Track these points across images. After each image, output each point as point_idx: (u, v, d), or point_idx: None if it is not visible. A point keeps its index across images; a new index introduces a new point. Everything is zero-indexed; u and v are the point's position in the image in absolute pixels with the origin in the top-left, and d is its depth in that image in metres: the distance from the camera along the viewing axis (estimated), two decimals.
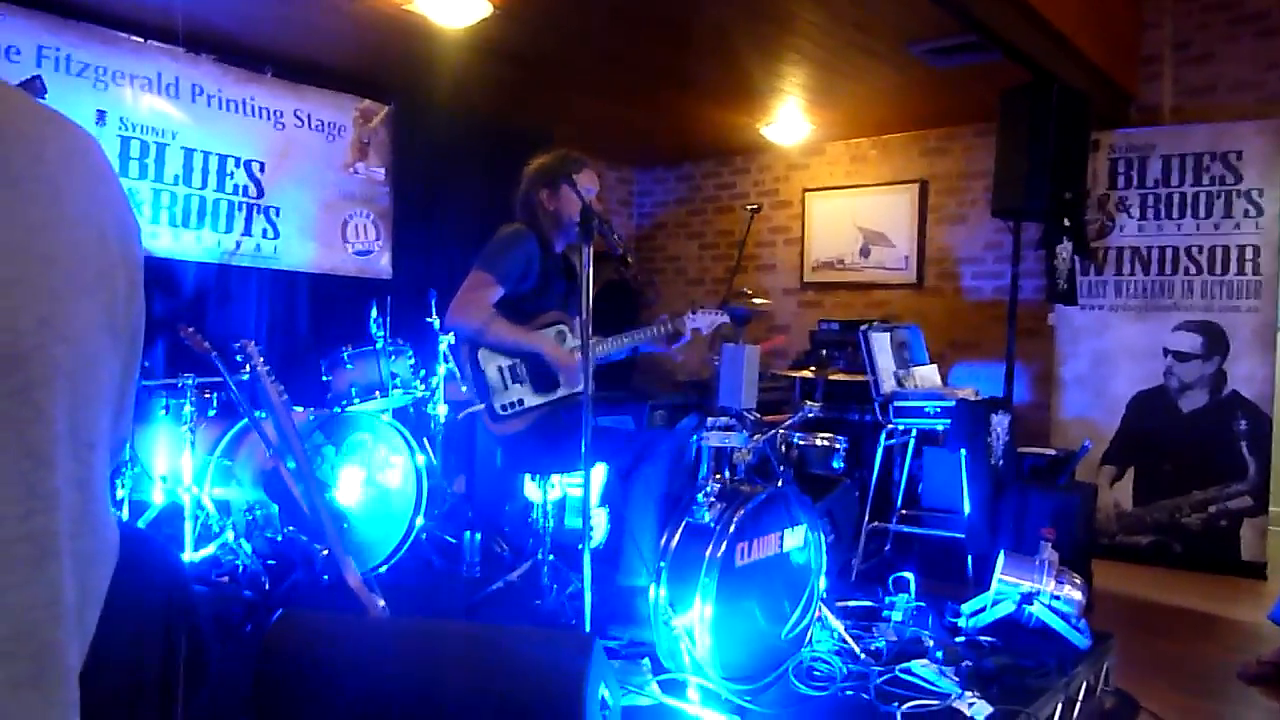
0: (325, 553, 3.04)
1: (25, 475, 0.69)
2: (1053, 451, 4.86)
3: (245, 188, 5.43)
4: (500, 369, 3.20)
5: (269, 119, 5.54)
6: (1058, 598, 3.35)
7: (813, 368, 4.74)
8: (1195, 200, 5.39)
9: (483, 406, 3.17)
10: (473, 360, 3.19)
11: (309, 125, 5.72)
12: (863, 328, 4.82)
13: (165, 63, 5.07)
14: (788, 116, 6.47)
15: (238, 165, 5.40)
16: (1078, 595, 3.38)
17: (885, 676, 2.84)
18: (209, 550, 3.73)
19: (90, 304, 0.76)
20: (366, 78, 5.85)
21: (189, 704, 1.03)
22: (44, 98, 3.49)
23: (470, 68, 5.44)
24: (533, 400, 3.21)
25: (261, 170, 5.50)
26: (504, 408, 3.17)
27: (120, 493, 3.92)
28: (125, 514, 3.91)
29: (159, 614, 1.02)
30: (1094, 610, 3.77)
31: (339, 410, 4.06)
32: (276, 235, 5.57)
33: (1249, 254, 5.26)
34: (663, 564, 2.73)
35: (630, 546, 3.06)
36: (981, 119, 6.19)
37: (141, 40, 4.99)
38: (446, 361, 4.57)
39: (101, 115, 4.83)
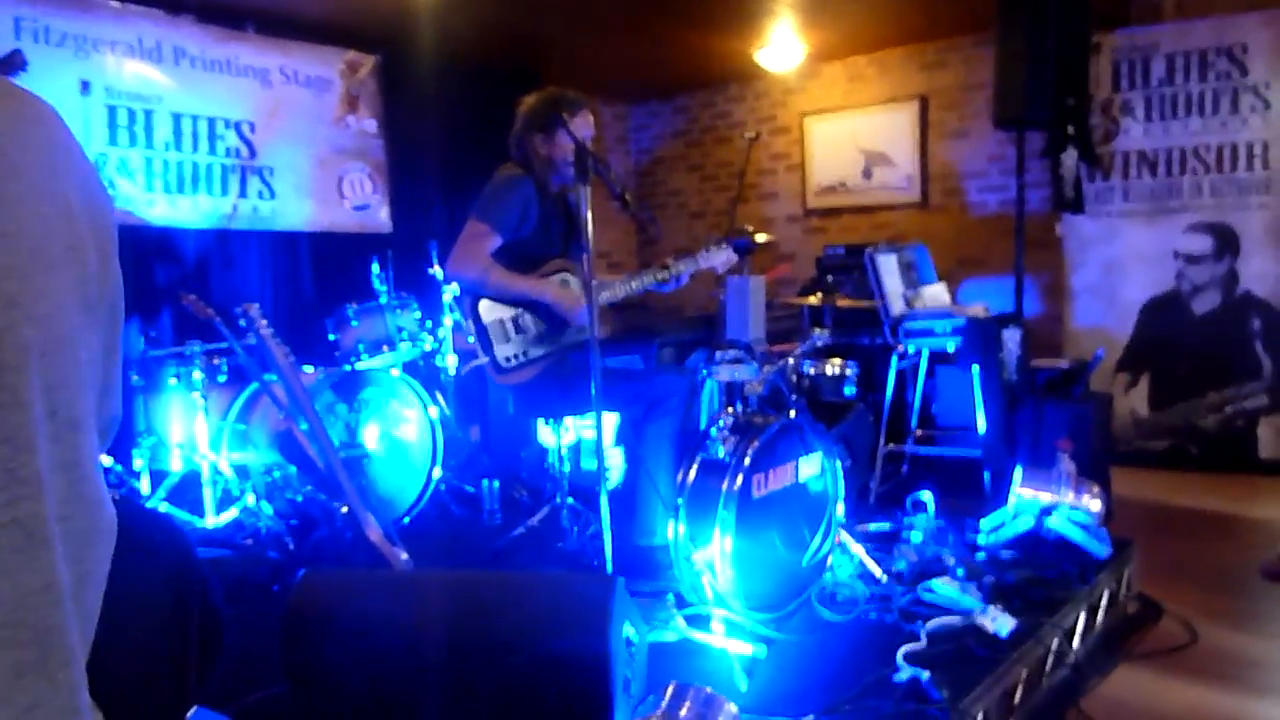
0: (345, 510, 3.05)
1: (4, 461, 0.67)
2: (1066, 363, 4.82)
3: (237, 149, 5.36)
4: (502, 321, 3.15)
5: (255, 77, 5.44)
6: (1077, 509, 3.34)
7: (820, 294, 4.69)
8: (1201, 98, 5.27)
9: (486, 360, 3.14)
10: (474, 312, 3.15)
11: (296, 81, 5.63)
12: (868, 250, 4.75)
13: (146, 26, 4.97)
14: (781, 38, 6.33)
15: (227, 127, 5.32)
16: (1097, 505, 3.38)
17: (908, 597, 2.85)
18: (231, 514, 3.76)
19: (59, 280, 0.73)
20: (351, 28, 5.73)
21: (205, 676, 1.03)
22: (26, 71, 3.43)
23: (455, 10, 5.33)
24: (536, 351, 3.18)
25: (252, 130, 5.43)
26: (507, 359, 3.14)
27: (139, 463, 3.94)
28: (146, 484, 3.94)
29: (168, 589, 1.01)
30: (1114, 518, 3.76)
31: (348, 368, 4.05)
32: (272, 196, 5.52)
33: (1257, 150, 5.15)
34: (680, 500, 2.73)
35: (645, 505, 3.06)
36: (979, 28, 6.03)
37: (120, 4, 4.89)
38: (452, 312, 4.55)
39: (86, 85, 4.75)
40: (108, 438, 0.88)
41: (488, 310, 3.15)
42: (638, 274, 3.37)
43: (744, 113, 7.66)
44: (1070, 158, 5.09)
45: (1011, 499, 3.45)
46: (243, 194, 5.39)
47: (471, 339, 3.20)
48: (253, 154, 5.43)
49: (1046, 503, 3.36)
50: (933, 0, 5.56)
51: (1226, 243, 5.25)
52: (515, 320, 3.17)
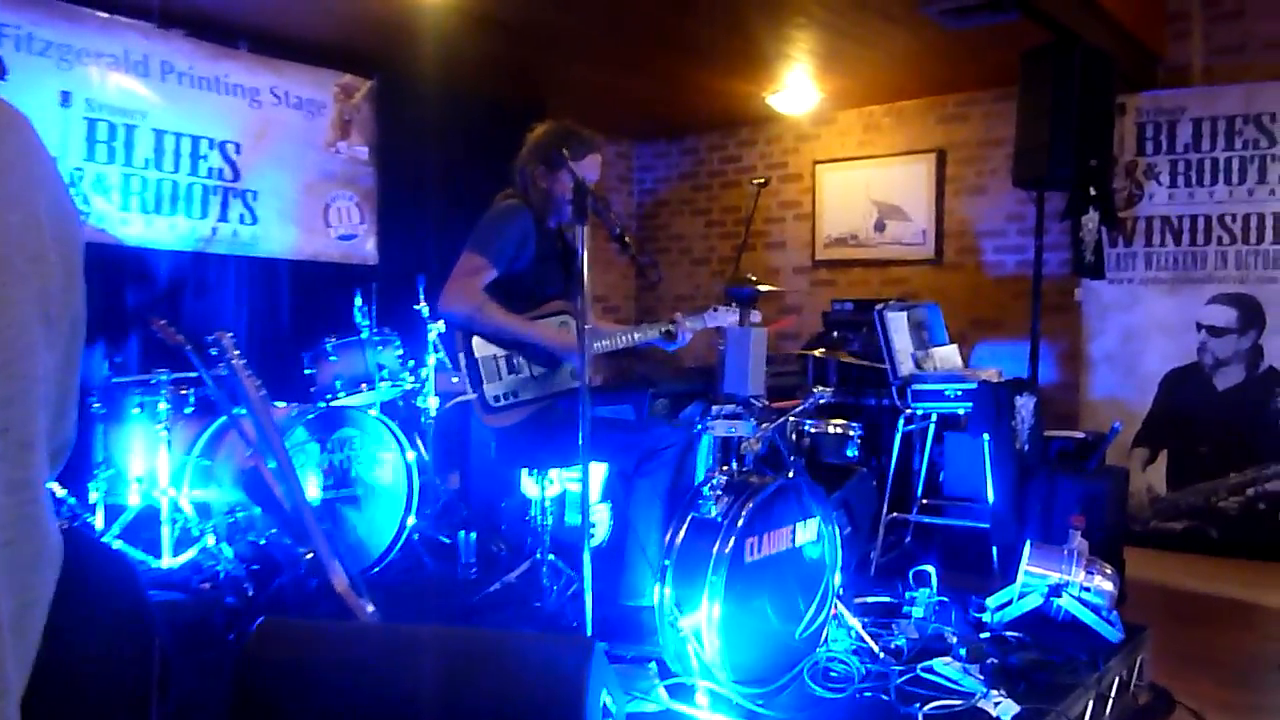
0: (310, 556, 3.02)
1: None
2: (1081, 434, 4.82)
3: (220, 170, 5.40)
4: (495, 357, 3.17)
5: (244, 97, 5.50)
6: (1088, 589, 3.32)
7: (825, 350, 4.71)
8: (1228, 165, 5.34)
9: (474, 396, 3.14)
10: (466, 347, 3.16)
11: (287, 103, 5.68)
12: (878, 307, 4.78)
13: (133, 39, 5.03)
14: (796, 84, 6.42)
15: (212, 147, 5.36)
16: (1109, 586, 3.36)
17: (906, 676, 2.82)
18: (189, 555, 3.72)
19: (22, 292, 0.74)
20: (347, 51, 5.80)
21: None
22: (5, 80, 3.47)
23: (458, 38, 5.40)
24: (528, 392, 3.18)
25: (237, 151, 5.47)
26: (497, 399, 3.14)
27: (94, 496, 3.91)
28: (100, 519, 3.90)
29: (116, 629, 1.00)
30: (1127, 601, 3.74)
31: (323, 405, 4.04)
32: (254, 220, 5.54)
33: None
34: (667, 562, 2.71)
35: (633, 564, 3.04)
36: (1001, 83, 6.13)
37: (108, 15, 4.95)
38: (436, 351, 4.55)
39: (66, 96, 4.80)
40: (59, 461, 0.88)
41: (481, 344, 3.15)
42: (640, 326, 3.38)
43: (754, 157, 7.74)
44: (1091, 221, 5.14)
45: (1019, 576, 3.43)
46: (223, 217, 5.41)
47: (455, 379, 3.21)
48: (236, 176, 5.47)
49: (1056, 581, 3.34)
50: (954, 52, 5.65)
51: (1252, 316, 5.29)
52: (509, 358, 3.18)
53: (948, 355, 5.02)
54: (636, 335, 3.35)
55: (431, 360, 4.55)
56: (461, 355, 3.17)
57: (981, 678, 2.80)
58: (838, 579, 2.99)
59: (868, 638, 3.02)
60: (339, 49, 5.77)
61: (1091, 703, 2.92)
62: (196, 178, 5.31)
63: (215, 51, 5.36)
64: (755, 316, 3.33)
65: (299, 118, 5.75)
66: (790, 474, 2.93)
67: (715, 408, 2.97)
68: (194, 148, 5.29)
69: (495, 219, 3.25)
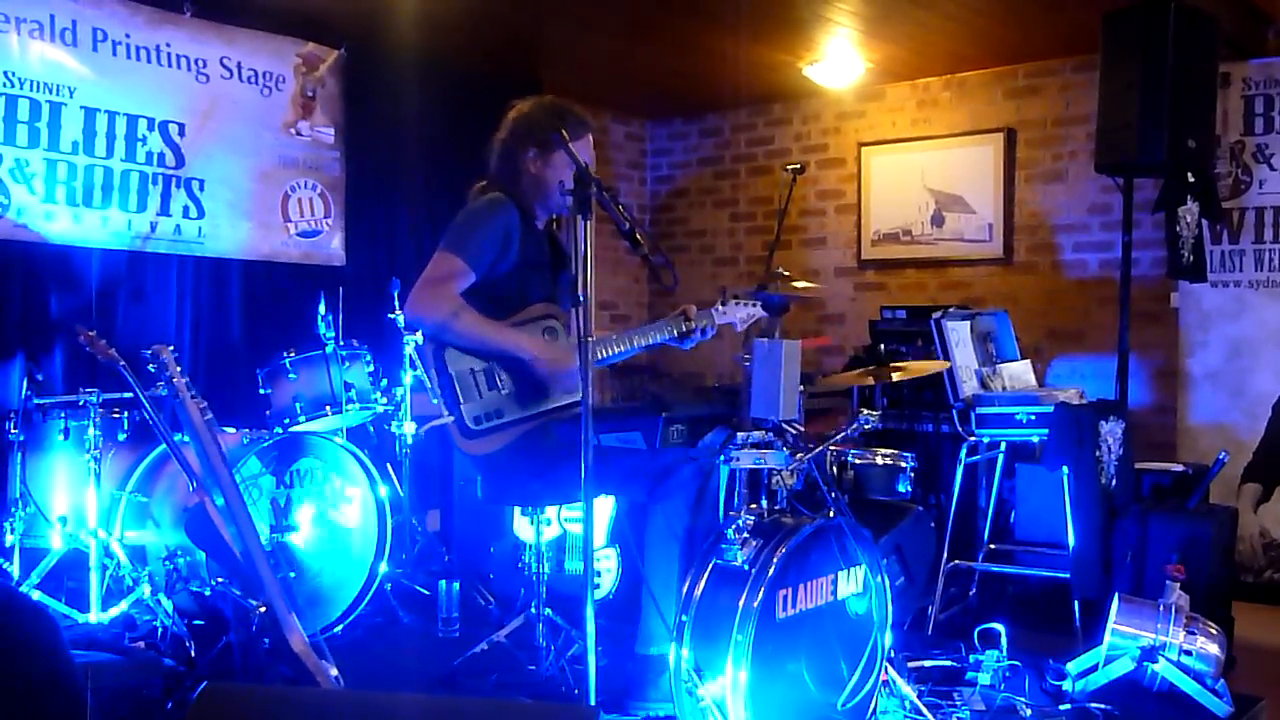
0: (263, 609, 3.03)
1: None
2: (1180, 467, 4.81)
3: (161, 156, 5.44)
4: (473, 371, 3.19)
5: (190, 70, 5.54)
6: (1188, 652, 3.31)
7: (872, 367, 4.70)
8: None
9: (451, 419, 3.15)
10: (438, 362, 3.18)
11: (239, 76, 5.73)
12: (935, 315, 4.78)
13: (59, 3, 5.08)
14: (837, 52, 6.43)
15: (151, 128, 5.40)
16: (1214, 649, 3.34)
17: None
18: (120, 608, 3.73)
19: None
20: (311, 16, 5.85)
21: None
22: None
23: (440, 1, 5.43)
24: (514, 412, 3.19)
25: (181, 134, 5.51)
26: (477, 420, 3.15)
27: (10, 539, 3.93)
28: (16, 566, 3.92)
29: (34, 695, 1.01)
30: (1236, 667, 3.71)
31: (280, 431, 4.05)
32: (201, 214, 5.58)
33: None
34: (685, 618, 2.70)
35: (649, 603, 3.04)
36: (1082, 49, 6.14)
37: None
38: (414, 368, 4.56)
39: None
40: None
41: (455, 357, 3.17)
42: (635, 331, 3.39)
43: (788, 139, 7.75)
44: (1190, 213, 5.13)
45: (1106, 637, 3.42)
46: (164, 210, 5.45)
47: (435, 400, 3.21)
48: (180, 162, 5.50)
49: (1150, 643, 3.33)
50: (1026, 12, 5.65)
51: None
52: (488, 372, 3.19)
53: (1019, 373, 5.01)
54: (635, 340, 3.36)
55: (408, 379, 4.57)
56: (434, 370, 3.19)
57: None
58: (888, 639, 2.99)
59: (924, 709, 3.01)
60: (301, 14, 5.81)
61: None
62: (133, 164, 5.34)
63: (155, 17, 5.40)
64: (745, 310, 3.33)
65: (253, 94, 5.79)
66: (831, 513, 2.93)
67: (741, 435, 2.97)
68: (130, 129, 5.33)
69: (473, 215, 3.29)
